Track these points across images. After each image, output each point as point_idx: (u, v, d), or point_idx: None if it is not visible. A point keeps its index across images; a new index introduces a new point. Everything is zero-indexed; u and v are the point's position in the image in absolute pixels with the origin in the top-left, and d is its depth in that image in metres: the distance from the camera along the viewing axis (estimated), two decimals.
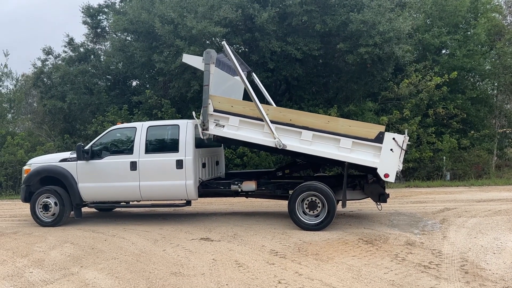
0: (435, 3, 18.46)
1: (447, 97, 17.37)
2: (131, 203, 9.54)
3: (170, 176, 8.54)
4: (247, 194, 9.01)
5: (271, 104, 10.30)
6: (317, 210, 7.94)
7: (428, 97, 16.73)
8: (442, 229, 7.71)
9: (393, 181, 7.66)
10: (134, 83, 20.92)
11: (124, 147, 9.04)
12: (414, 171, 16.35)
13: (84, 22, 21.27)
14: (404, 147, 7.52)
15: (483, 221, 8.28)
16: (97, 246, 7.32)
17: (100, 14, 21.50)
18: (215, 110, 8.31)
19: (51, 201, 9.03)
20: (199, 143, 8.97)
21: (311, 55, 15.42)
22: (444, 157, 16.44)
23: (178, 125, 8.83)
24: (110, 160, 8.87)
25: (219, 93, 8.65)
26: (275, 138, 7.89)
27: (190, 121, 8.89)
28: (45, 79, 19.92)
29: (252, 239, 7.37)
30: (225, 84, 9.30)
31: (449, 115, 17.28)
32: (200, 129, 8.29)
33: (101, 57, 21.09)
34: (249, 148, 14.46)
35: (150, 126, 8.99)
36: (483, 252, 6.23)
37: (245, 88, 8.61)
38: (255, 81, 10.51)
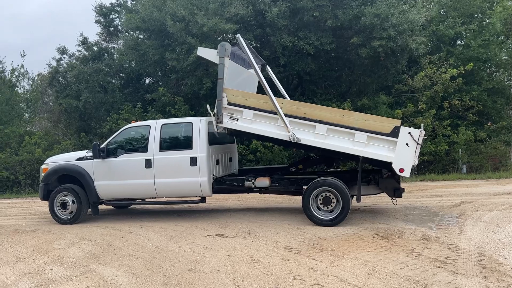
0: None
1: (462, 89, 17.15)
2: (146, 200, 9.69)
3: (184, 173, 8.61)
4: (260, 190, 9.02)
5: (285, 98, 10.29)
6: (331, 206, 7.93)
7: (443, 89, 16.52)
8: (459, 223, 7.64)
9: (408, 176, 7.60)
10: (147, 81, 21.10)
11: (138, 145, 9.13)
12: (430, 165, 16.19)
13: (97, 21, 21.49)
14: (420, 141, 7.44)
15: (501, 215, 8.18)
16: (114, 243, 7.43)
17: (113, 13, 21.68)
18: (229, 103, 8.34)
19: (69, 199, 9.19)
20: (213, 140, 9.03)
21: (323, 50, 15.33)
22: (460, 150, 16.24)
23: (191, 122, 8.89)
24: (125, 158, 8.98)
25: (233, 86, 8.67)
26: (289, 132, 7.89)
27: (203, 118, 8.94)
28: (60, 79, 20.21)
29: (267, 235, 7.40)
30: (239, 77, 9.32)
31: (465, 107, 17.06)
32: (214, 122, 8.34)
33: (114, 55, 21.29)
34: (263, 141, 14.47)
35: (164, 124, 9.07)
36: (501, 247, 6.16)
37: (259, 81, 8.62)
38: (269, 74, 10.51)
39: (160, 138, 8.90)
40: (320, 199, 7.98)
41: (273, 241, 6.99)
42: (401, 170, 7.42)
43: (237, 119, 8.32)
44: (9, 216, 11.21)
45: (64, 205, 9.22)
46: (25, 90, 23.15)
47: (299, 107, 8.15)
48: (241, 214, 9.47)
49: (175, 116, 16.03)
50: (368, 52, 14.77)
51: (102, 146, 9.10)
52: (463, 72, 16.21)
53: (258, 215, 9.23)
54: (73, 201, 9.19)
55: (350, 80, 17.52)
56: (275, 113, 8.03)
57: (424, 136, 7.65)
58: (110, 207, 10.72)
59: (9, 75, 21.39)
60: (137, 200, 9.69)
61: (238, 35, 8.58)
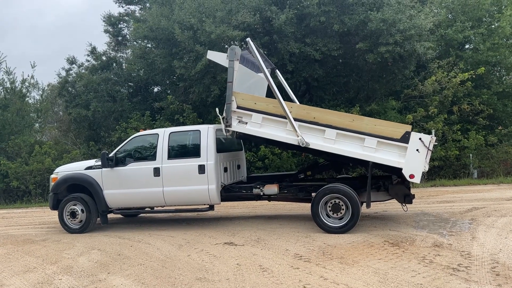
0: None
1: (472, 93, 16.99)
2: (155, 208, 9.68)
3: (192, 181, 8.60)
4: (269, 198, 9.00)
5: (295, 102, 10.27)
6: (341, 213, 7.85)
7: (453, 94, 16.39)
8: (471, 230, 7.53)
9: (419, 182, 7.53)
10: (155, 89, 21.20)
11: (147, 153, 9.16)
12: (440, 170, 16.02)
13: (106, 31, 21.69)
14: (431, 147, 7.37)
15: None
16: (123, 252, 7.42)
17: (121, 23, 21.89)
18: (238, 107, 8.35)
19: (78, 208, 9.21)
20: (221, 148, 9.02)
21: (330, 55, 15.30)
22: (471, 155, 16.06)
23: (199, 130, 8.90)
24: (134, 167, 9.00)
25: (243, 90, 8.67)
26: (298, 136, 7.86)
27: (211, 126, 8.95)
28: (69, 88, 20.38)
29: (276, 243, 7.34)
30: (249, 81, 9.32)
31: (475, 111, 16.88)
32: (223, 126, 8.34)
33: (123, 64, 21.45)
34: (272, 145, 14.39)
35: (172, 132, 9.08)
36: None
37: (268, 85, 8.61)
38: (279, 78, 10.52)
39: (168, 146, 8.91)
40: (329, 206, 7.91)
41: (283, 249, 6.93)
42: (412, 176, 7.34)
43: (246, 123, 8.33)
44: (19, 226, 11.28)
45: (73, 214, 9.25)
46: (35, 100, 23.40)
47: (309, 111, 8.13)
48: (249, 221, 9.42)
49: (184, 124, 16.06)
50: (375, 57, 14.70)
51: (110, 155, 9.13)
52: (474, 76, 16.07)
53: (267, 222, 9.17)
54: (82, 210, 9.21)
55: (358, 86, 17.45)
56: (284, 117, 8.01)
57: (435, 142, 7.57)
58: (119, 216, 10.73)
59: (20, 86, 21.61)
60: (146, 209, 9.68)
61: (248, 39, 8.59)
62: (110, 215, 9.65)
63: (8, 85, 21.28)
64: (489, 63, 17.49)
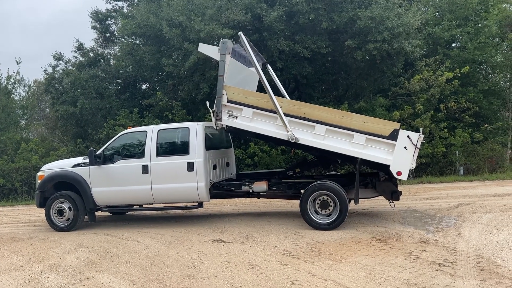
0: None
1: (458, 91, 17.17)
2: (144, 206, 9.65)
3: (181, 178, 8.58)
4: (258, 195, 9.01)
5: (285, 97, 10.30)
6: (329, 210, 7.91)
7: (439, 92, 16.55)
8: (457, 226, 7.64)
9: (406, 179, 7.61)
10: (144, 86, 21.04)
11: (135, 151, 9.10)
12: (427, 167, 16.19)
13: (93, 27, 21.41)
14: (419, 145, 7.46)
15: (499, 217, 8.18)
16: (111, 250, 7.39)
17: (109, 19, 21.67)
18: (229, 101, 8.35)
19: (65, 206, 9.12)
20: (210, 145, 9.02)
21: (319, 53, 15.36)
22: (457, 152, 16.26)
23: (188, 127, 8.87)
24: (122, 164, 8.94)
25: (234, 84, 8.67)
26: (288, 131, 7.89)
27: (200, 123, 8.93)
28: (56, 85, 20.13)
29: (265, 239, 7.37)
30: (240, 75, 9.31)
31: (461, 109, 17.05)
32: (213, 119, 8.34)
33: (111, 61, 21.25)
34: (262, 140, 14.36)
35: (160, 129, 9.04)
36: (499, 249, 6.15)
37: (259, 80, 8.61)
38: (270, 73, 10.52)
39: (157, 143, 8.86)
40: (318, 203, 7.95)
41: (271, 246, 6.96)
42: (399, 173, 7.43)
43: (236, 117, 8.34)
44: (5, 224, 11.14)
45: (60, 212, 9.16)
46: (21, 97, 23.10)
47: (299, 106, 8.17)
48: (239, 218, 9.44)
49: (173, 121, 15.98)
50: (364, 55, 14.79)
51: (98, 152, 9.06)
52: (459, 75, 16.25)
53: (256, 219, 9.20)
54: (69, 208, 9.12)
55: (347, 84, 17.55)
56: (274, 112, 8.04)
57: (422, 139, 7.66)
58: (107, 213, 10.68)
59: (5, 82, 21.30)
60: (134, 206, 9.64)
61: (240, 33, 8.56)
62: (98, 213, 9.60)
63: None
64: (476, 61, 17.70)
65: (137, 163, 8.84)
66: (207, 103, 8.65)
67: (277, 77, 15.82)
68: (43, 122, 24.31)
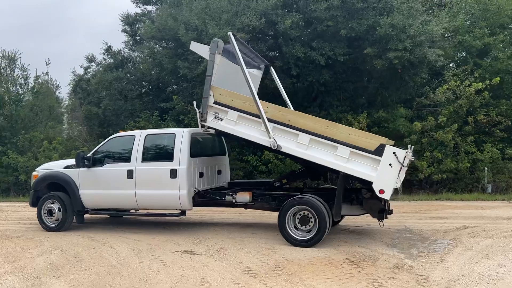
0: (477, 2, 17.17)
1: (489, 103, 16.04)
2: (130, 211, 9.61)
3: (164, 185, 8.44)
4: (246, 206, 8.69)
5: (287, 103, 9.98)
6: (309, 226, 7.48)
7: (468, 104, 15.53)
8: (445, 251, 6.99)
9: (388, 199, 7.08)
10: (168, 89, 21.24)
11: (123, 155, 9.05)
12: (449, 182, 15.22)
13: (123, 30, 21.94)
14: (405, 163, 6.90)
15: (497, 243, 7.43)
16: (81, 254, 7.34)
17: (138, 22, 22.10)
18: (215, 102, 8.16)
19: (55, 206, 9.22)
20: (198, 152, 8.84)
21: (337, 60, 14.83)
22: (486, 168, 15.16)
23: (174, 133, 8.74)
24: (109, 168, 8.94)
25: (230, 85, 8.41)
26: (270, 138, 7.57)
27: (187, 129, 8.77)
28: (83, 86, 20.74)
29: (235, 254, 7.07)
30: (238, 77, 9.02)
31: (492, 122, 15.92)
32: (198, 120, 8.17)
33: (140, 64, 21.63)
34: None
35: (148, 135, 8.96)
36: (475, 281, 5.52)
37: (260, 83, 8.30)
38: (273, 76, 10.20)
39: (143, 148, 8.77)
40: (298, 218, 7.55)
41: (237, 261, 6.66)
42: (381, 191, 6.93)
43: (222, 119, 8.14)
44: (6, 221, 11.44)
45: (50, 212, 9.27)
46: (52, 98, 23.99)
47: (284, 113, 7.85)
48: (224, 229, 9.16)
49: (189, 125, 15.98)
50: (383, 63, 14.17)
51: (88, 155, 9.11)
52: (488, 86, 15.17)
53: (241, 230, 8.90)
54: (59, 209, 9.21)
55: (369, 92, 16.87)
56: (259, 117, 7.73)
57: (412, 157, 7.06)
58: (104, 216, 10.72)
59: (33, 83, 22.25)
60: (120, 211, 9.61)
61: (230, 33, 8.24)
62: (95, 216, 9.63)
63: (22, 81, 21.92)
64: (509, 72, 16.48)
65: (123, 167, 8.79)
66: (194, 102, 8.49)
67: (293, 84, 15.58)
68: (70, 122, 25.09)
